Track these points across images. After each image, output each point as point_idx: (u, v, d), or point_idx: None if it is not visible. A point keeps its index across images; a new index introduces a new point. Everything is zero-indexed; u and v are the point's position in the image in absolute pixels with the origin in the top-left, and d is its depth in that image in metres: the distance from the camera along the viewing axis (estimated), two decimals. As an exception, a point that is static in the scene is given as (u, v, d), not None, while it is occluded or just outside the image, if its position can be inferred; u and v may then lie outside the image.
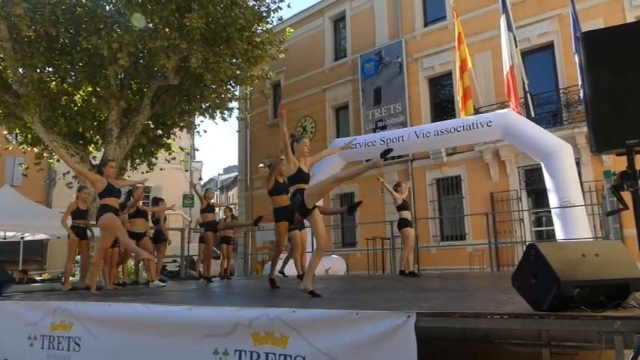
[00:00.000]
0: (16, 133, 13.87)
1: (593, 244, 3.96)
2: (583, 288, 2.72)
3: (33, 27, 10.26)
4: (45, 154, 13.89)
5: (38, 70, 11.31)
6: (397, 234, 13.58)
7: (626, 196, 2.66)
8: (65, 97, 12.73)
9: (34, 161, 13.77)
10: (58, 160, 14.30)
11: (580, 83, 10.23)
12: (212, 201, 9.07)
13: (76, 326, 4.39)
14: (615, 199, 2.76)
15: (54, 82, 12.23)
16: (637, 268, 2.74)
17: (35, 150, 13.68)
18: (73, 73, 12.26)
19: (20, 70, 11.29)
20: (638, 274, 2.72)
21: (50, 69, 12.00)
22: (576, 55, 9.99)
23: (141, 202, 8.30)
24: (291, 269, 7.89)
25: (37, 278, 14.21)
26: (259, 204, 20.82)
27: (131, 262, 9.91)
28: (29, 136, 13.14)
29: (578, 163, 11.23)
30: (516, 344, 4.10)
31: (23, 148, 13.79)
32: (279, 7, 13.22)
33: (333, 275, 11.01)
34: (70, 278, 7.78)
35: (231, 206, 12.41)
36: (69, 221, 7.42)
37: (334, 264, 12.15)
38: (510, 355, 4.43)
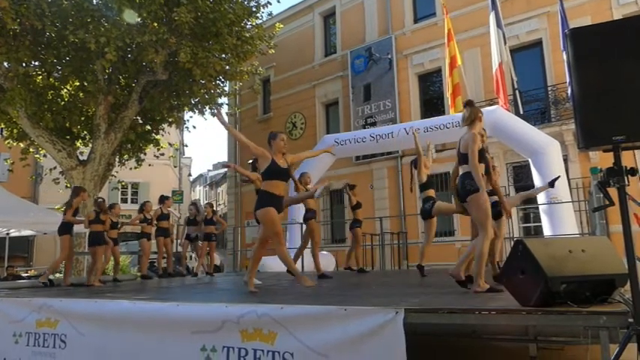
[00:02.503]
0: (2, 128, 13.69)
1: (580, 240, 3.99)
2: (570, 284, 2.74)
3: (18, 20, 10.09)
4: (31, 150, 13.72)
5: (24, 64, 11.15)
6: (387, 230, 13.63)
7: (613, 192, 2.67)
8: (52, 91, 12.57)
9: (20, 156, 13.60)
10: (44, 156, 14.13)
11: (568, 80, 10.31)
12: (309, 186, 7.89)
13: (61, 323, 4.33)
14: (602, 195, 2.78)
15: (40, 77, 12.07)
16: (623, 263, 2.77)
17: (21, 145, 13.50)
18: (59, 68, 12.09)
19: (5, 64, 11.12)
20: (623, 269, 2.74)
21: (36, 63, 11.83)
22: (564, 53, 10.06)
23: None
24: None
25: (23, 275, 14.03)
26: (249, 200, 20.76)
27: (125, 260, 9.94)
28: (15, 130, 12.97)
29: (565, 160, 11.34)
30: (504, 339, 4.13)
31: (9, 143, 13.62)
32: (268, 2, 13.16)
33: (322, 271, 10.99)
34: (58, 275, 7.85)
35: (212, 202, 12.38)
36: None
37: (323, 260, 12.14)
38: (497, 350, 4.46)
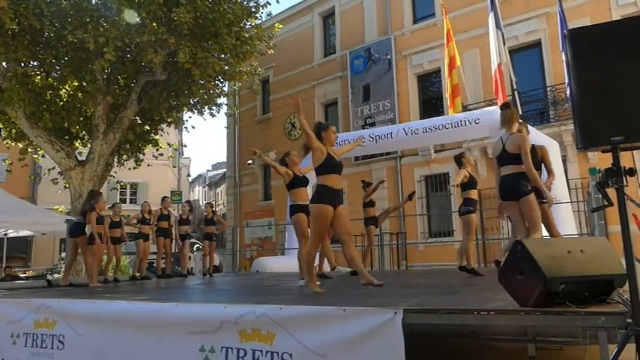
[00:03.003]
0: (0, 128, 13.66)
1: (579, 241, 3.99)
2: (568, 284, 2.74)
3: (17, 20, 10.07)
4: (29, 150, 13.71)
5: (22, 64, 11.14)
6: (385, 230, 13.62)
7: (611, 192, 2.67)
8: (50, 91, 12.56)
9: (18, 157, 13.58)
10: (43, 156, 14.10)
11: (567, 81, 10.31)
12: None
13: (60, 324, 4.32)
14: (600, 195, 2.78)
15: (39, 77, 12.05)
16: (621, 264, 2.76)
17: (19, 145, 13.48)
18: (58, 68, 12.08)
19: (4, 63, 11.11)
20: (622, 270, 2.74)
21: (35, 63, 11.82)
22: (563, 53, 10.07)
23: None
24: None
25: (22, 275, 14.01)
26: (248, 200, 20.75)
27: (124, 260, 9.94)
28: (13, 131, 12.95)
29: (564, 161, 11.34)
30: (502, 340, 4.13)
31: (7, 143, 13.60)
32: (268, 3, 13.16)
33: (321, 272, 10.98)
34: (56, 275, 7.87)
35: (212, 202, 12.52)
36: None
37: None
38: (496, 350, 4.46)
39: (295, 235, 5.88)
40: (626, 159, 2.65)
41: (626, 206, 2.62)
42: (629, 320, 2.46)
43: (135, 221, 9.17)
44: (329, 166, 4.57)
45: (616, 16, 12.10)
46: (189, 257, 11.52)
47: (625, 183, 2.61)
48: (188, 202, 10.24)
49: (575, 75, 2.68)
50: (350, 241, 4.67)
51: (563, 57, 10.13)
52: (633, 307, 2.46)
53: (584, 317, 2.58)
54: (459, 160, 6.66)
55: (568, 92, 10.63)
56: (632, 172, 2.62)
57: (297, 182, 5.82)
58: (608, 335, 2.52)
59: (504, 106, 4.67)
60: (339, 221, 4.61)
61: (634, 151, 2.92)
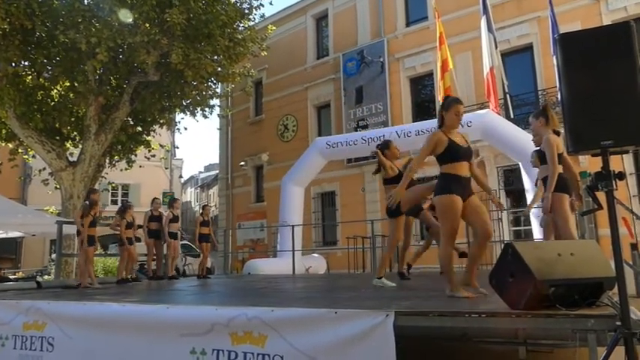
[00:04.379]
0: (-10, 128, 13.53)
1: (569, 244, 4.01)
2: (558, 287, 2.75)
3: (8, 19, 9.99)
4: (20, 150, 13.60)
5: (13, 64, 11.05)
6: (378, 232, 13.62)
7: (601, 196, 2.70)
8: (41, 91, 12.47)
9: (9, 157, 13.47)
10: (33, 156, 14.00)
11: (558, 85, 10.40)
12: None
13: (49, 326, 4.28)
14: (590, 199, 2.80)
15: (30, 77, 11.97)
16: (610, 267, 2.79)
17: (10, 145, 13.37)
18: (49, 68, 12.01)
19: (-6, 63, 11.01)
20: (611, 273, 2.76)
21: (26, 63, 11.74)
22: (554, 57, 10.15)
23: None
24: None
25: (11, 277, 13.86)
26: (240, 202, 20.70)
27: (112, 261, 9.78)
28: (3, 131, 12.85)
29: (555, 164, 11.40)
30: (493, 342, 4.14)
31: (-3, 143, 13.48)
32: (261, 4, 13.17)
33: (313, 274, 11.01)
34: (46, 277, 7.77)
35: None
36: None
37: (314, 263, 12.15)
38: (487, 352, 4.48)
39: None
40: (615, 163, 2.68)
41: (616, 210, 2.64)
42: (618, 323, 2.48)
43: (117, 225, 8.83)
44: (454, 152, 3.86)
45: (606, 21, 12.22)
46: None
47: (615, 187, 2.63)
48: (159, 198, 10.22)
49: (565, 79, 2.70)
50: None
51: (555, 61, 10.21)
52: (622, 309, 2.48)
53: (573, 320, 2.60)
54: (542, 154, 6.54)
55: (559, 96, 10.72)
56: (621, 175, 2.64)
57: (399, 178, 5.42)
58: (597, 338, 2.54)
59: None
60: (475, 212, 3.89)
61: (623, 155, 2.95)
